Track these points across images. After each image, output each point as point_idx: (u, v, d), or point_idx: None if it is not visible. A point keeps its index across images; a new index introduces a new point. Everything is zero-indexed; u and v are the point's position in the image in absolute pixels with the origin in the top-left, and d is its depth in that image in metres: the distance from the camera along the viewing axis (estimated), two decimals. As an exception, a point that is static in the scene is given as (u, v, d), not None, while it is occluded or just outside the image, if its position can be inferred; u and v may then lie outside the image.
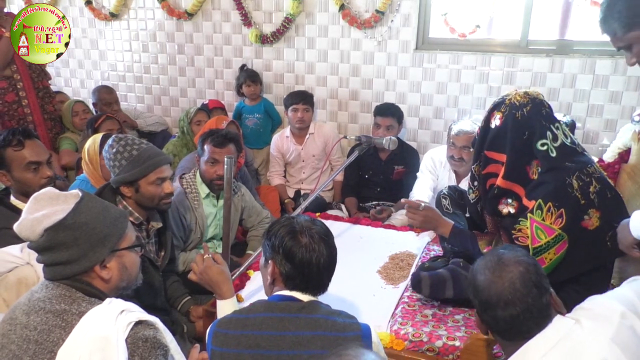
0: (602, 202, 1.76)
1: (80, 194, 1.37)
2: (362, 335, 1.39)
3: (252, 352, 1.36)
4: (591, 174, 1.78)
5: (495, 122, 1.86)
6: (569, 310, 1.39)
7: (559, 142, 1.80)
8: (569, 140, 1.84)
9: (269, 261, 1.49)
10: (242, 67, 4.20)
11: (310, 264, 1.43)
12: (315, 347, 1.35)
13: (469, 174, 2.02)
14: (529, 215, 1.77)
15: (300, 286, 1.46)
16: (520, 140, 1.80)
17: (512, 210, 1.86)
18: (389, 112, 3.54)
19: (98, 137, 2.66)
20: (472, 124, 3.08)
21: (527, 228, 1.76)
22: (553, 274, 1.73)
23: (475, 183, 1.99)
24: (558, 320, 1.29)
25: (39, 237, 1.30)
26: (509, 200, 1.87)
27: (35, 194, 1.35)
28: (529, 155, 1.82)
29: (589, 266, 1.81)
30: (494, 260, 1.34)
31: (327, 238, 1.49)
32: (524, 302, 1.26)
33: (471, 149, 2.98)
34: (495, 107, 1.88)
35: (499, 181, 1.87)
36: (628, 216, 1.82)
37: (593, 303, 1.35)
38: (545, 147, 1.79)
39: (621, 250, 1.80)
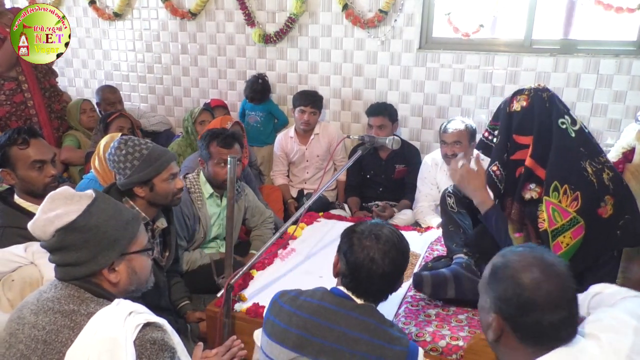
0: (616, 189, 1.77)
1: (94, 195, 1.37)
2: (408, 352, 1.38)
3: (298, 332, 1.40)
4: (603, 163, 1.80)
5: (521, 103, 1.87)
6: None
7: (578, 126, 1.83)
8: (587, 130, 1.87)
9: (336, 253, 1.55)
10: (258, 79, 4.08)
11: (362, 268, 1.45)
12: (360, 349, 1.36)
13: (496, 163, 1.97)
14: (544, 198, 1.78)
15: (350, 286, 1.48)
16: (548, 120, 1.82)
17: (535, 196, 1.86)
18: (379, 112, 3.53)
19: (116, 136, 2.65)
20: (461, 122, 3.09)
21: (543, 211, 1.76)
22: (571, 265, 1.73)
23: (505, 171, 1.95)
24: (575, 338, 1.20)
25: (50, 237, 1.30)
26: (532, 186, 1.87)
27: (51, 193, 1.35)
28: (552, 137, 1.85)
29: (599, 256, 1.82)
30: (537, 259, 1.21)
31: (392, 249, 1.47)
32: (571, 307, 1.17)
33: (460, 144, 3.02)
34: (517, 93, 1.90)
35: (527, 161, 1.86)
36: (637, 209, 1.82)
37: (605, 315, 1.28)
38: (565, 126, 1.81)
39: (630, 242, 1.82)
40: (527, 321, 1.18)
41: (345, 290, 1.48)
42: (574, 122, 1.84)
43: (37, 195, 2.01)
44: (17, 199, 2.07)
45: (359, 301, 1.46)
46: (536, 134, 1.83)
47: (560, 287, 1.16)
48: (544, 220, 1.77)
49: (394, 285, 1.52)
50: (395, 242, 1.48)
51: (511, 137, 1.90)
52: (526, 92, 1.87)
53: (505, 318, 1.22)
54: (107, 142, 2.61)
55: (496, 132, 2.00)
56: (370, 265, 1.44)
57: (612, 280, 1.90)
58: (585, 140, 1.83)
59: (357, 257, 1.45)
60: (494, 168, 1.98)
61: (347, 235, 1.51)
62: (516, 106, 1.88)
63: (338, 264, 1.53)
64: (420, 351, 1.43)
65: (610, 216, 1.76)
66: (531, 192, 1.87)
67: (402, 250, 1.50)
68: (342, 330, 1.38)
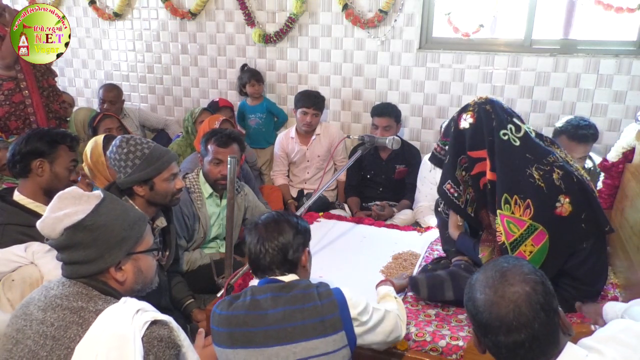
0: (569, 187, 1.79)
1: (102, 195, 1.39)
2: (337, 300, 1.48)
3: (242, 330, 1.46)
4: (552, 163, 1.82)
5: (468, 120, 1.92)
6: (566, 309, 1.34)
7: (522, 132, 1.86)
8: (533, 134, 1.90)
9: None
10: (243, 67, 4.22)
11: (252, 252, 1.59)
12: (296, 319, 1.45)
13: (449, 182, 2.02)
14: (498, 211, 1.79)
15: (254, 268, 1.61)
16: (493, 132, 1.86)
17: None
18: (386, 112, 3.52)
19: (99, 138, 2.66)
20: None
21: (499, 225, 1.78)
22: (544, 270, 1.73)
23: (461, 187, 2.01)
24: (569, 351, 1.12)
25: (59, 236, 1.32)
26: None
27: (60, 192, 1.37)
28: None
29: (570, 252, 1.84)
30: (496, 277, 1.16)
31: (267, 225, 1.60)
32: (530, 328, 1.09)
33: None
34: (462, 110, 1.96)
35: (489, 175, 1.88)
36: (596, 201, 1.85)
37: (616, 327, 1.22)
38: (506, 137, 1.84)
39: (597, 231, 1.85)
40: (487, 341, 1.16)
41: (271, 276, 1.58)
42: (518, 129, 1.86)
43: (51, 195, 2.04)
44: (17, 197, 2.08)
45: (286, 279, 1.54)
46: (488, 146, 1.87)
47: (514, 310, 1.10)
48: (500, 233, 1.79)
49: (288, 251, 1.58)
50: (265, 220, 1.62)
51: (466, 154, 1.94)
52: (471, 109, 1.93)
53: (477, 337, 1.21)
54: (93, 147, 2.64)
55: (447, 147, 2.04)
56: (250, 244, 1.59)
57: (600, 274, 1.91)
58: (530, 146, 1.86)
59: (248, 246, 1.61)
60: (448, 187, 2.03)
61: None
62: (464, 124, 1.93)
63: None
64: (345, 290, 1.52)
65: (570, 213, 1.78)
66: None
67: (273, 223, 1.61)
68: (276, 311, 1.46)
